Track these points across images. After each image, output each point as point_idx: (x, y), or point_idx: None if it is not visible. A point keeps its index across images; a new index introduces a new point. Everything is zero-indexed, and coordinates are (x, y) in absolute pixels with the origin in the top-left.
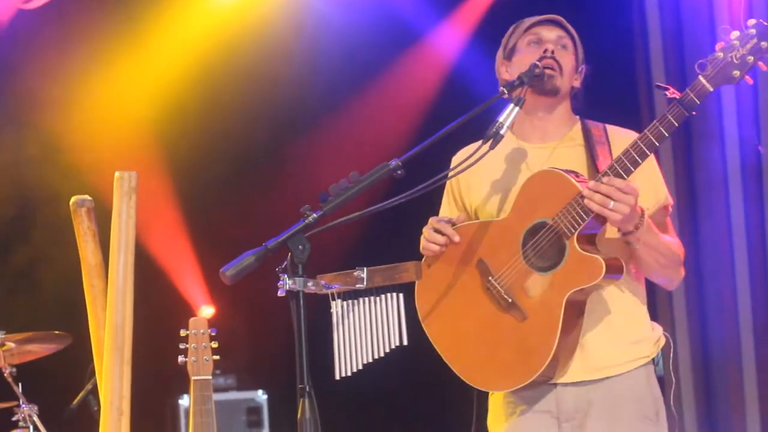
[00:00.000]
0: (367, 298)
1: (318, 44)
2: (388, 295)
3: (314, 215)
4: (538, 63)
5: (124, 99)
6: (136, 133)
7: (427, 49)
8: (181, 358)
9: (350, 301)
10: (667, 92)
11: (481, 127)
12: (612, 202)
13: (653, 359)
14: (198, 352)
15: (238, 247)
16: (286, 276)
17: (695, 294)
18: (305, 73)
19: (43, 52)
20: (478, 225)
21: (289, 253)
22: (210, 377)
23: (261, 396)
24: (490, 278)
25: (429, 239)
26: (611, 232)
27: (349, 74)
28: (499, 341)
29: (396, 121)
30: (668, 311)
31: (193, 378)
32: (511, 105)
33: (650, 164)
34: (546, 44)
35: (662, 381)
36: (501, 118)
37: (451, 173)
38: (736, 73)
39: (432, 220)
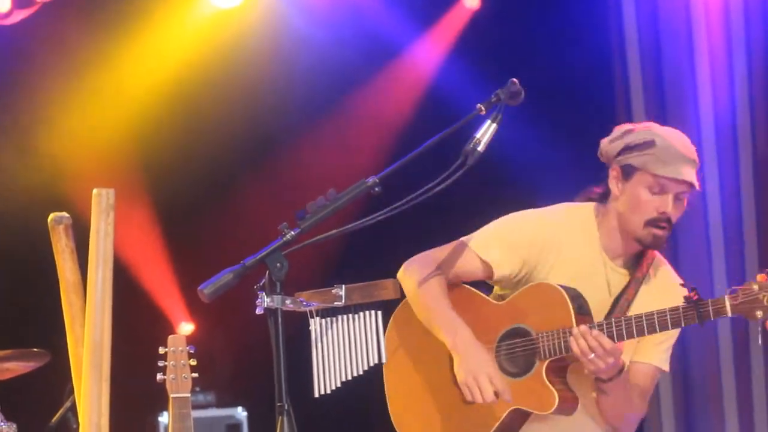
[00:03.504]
0: (345, 316)
1: (295, 61)
2: (366, 312)
3: (292, 233)
4: (515, 80)
5: (101, 115)
6: (114, 150)
7: (405, 65)
8: (159, 376)
9: (328, 319)
10: (690, 293)
11: (459, 144)
12: (592, 354)
13: None
14: (177, 369)
15: (216, 265)
16: (264, 294)
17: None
18: (283, 90)
19: (19, 67)
20: (474, 295)
21: (267, 271)
22: (189, 395)
23: (241, 413)
24: None
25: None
26: None
27: (327, 91)
28: (449, 409)
29: (374, 137)
30: None
31: (171, 396)
32: (488, 121)
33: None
34: (667, 199)
35: None
36: (478, 135)
37: (431, 190)
38: (759, 314)
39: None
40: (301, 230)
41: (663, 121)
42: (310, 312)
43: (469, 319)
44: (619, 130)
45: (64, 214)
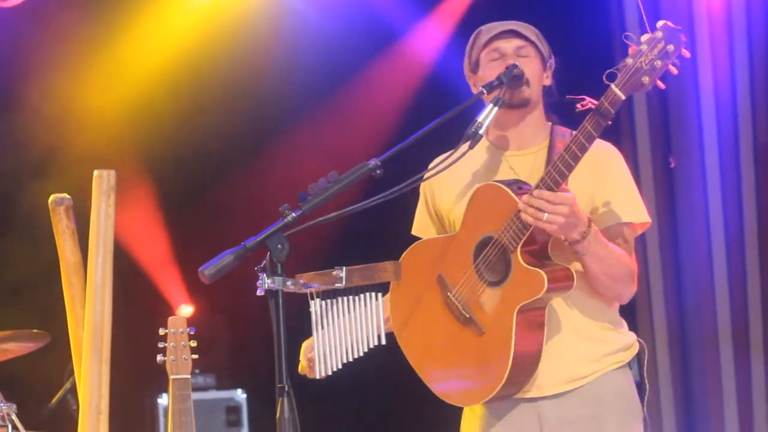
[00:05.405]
0: (345, 298)
1: (297, 44)
2: (367, 294)
3: (293, 214)
4: (516, 63)
5: (102, 97)
6: (115, 132)
7: (407, 49)
8: (159, 357)
9: (329, 301)
10: (580, 104)
11: (459, 128)
12: (545, 214)
13: (628, 364)
14: (177, 351)
15: (217, 246)
16: (265, 275)
17: (672, 286)
18: (284, 73)
19: (20, 50)
20: (436, 240)
21: (268, 253)
22: (189, 376)
23: (240, 395)
24: (449, 294)
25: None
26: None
27: (329, 74)
28: (462, 356)
29: (375, 121)
30: (647, 308)
31: (171, 377)
32: (490, 105)
33: (618, 179)
34: (507, 59)
35: (638, 387)
36: (480, 118)
37: (428, 173)
38: (646, 79)
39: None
40: (302, 212)
41: (665, 114)
42: (311, 293)
43: (445, 260)
44: None
45: (65, 195)
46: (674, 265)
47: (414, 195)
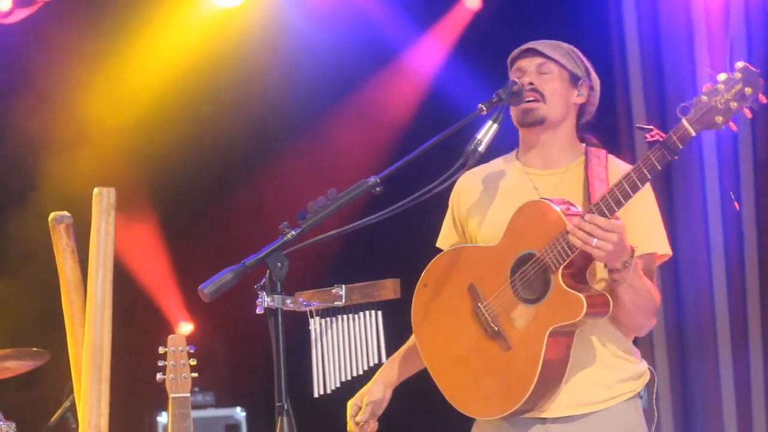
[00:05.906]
0: (345, 316)
1: (296, 61)
2: (367, 312)
3: (293, 232)
4: (516, 80)
5: (102, 115)
6: (115, 149)
7: (406, 65)
8: (159, 376)
9: (329, 319)
10: (648, 135)
11: (460, 144)
12: (595, 240)
13: (639, 393)
14: (176, 369)
15: (217, 265)
16: (264, 293)
17: (671, 291)
18: (284, 90)
19: (21, 64)
20: (473, 249)
21: (268, 271)
22: (188, 395)
23: (239, 413)
24: (479, 304)
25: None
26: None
27: (328, 91)
28: (484, 368)
29: (375, 138)
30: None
31: (171, 395)
32: (490, 122)
33: (646, 208)
34: (527, 76)
35: (646, 414)
36: (479, 135)
37: (432, 190)
38: (719, 119)
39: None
40: (301, 230)
41: (664, 123)
42: (310, 312)
43: (478, 270)
44: None
45: (65, 213)
46: (673, 270)
47: (415, 211)
